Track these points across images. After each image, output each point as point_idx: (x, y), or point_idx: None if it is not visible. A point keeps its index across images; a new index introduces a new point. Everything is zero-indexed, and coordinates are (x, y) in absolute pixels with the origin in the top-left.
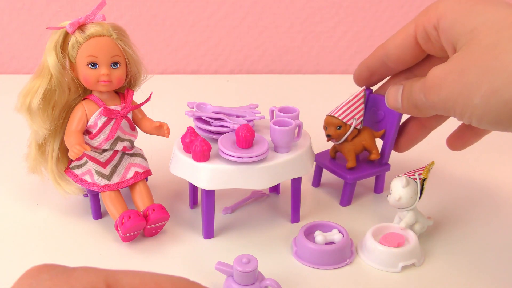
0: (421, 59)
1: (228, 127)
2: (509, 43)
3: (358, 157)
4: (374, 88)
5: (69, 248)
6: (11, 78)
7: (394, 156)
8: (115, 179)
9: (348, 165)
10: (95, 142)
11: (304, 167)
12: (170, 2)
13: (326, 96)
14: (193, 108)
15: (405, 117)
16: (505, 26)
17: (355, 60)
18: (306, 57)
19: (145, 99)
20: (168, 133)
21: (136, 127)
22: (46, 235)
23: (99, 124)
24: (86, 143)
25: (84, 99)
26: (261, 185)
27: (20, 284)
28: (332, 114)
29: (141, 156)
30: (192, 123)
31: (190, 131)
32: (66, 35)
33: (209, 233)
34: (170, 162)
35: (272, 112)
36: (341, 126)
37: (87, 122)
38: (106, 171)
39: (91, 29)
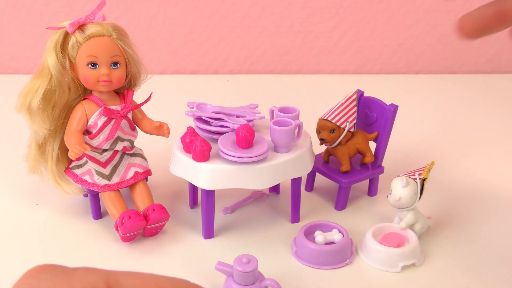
0: None
1: (228, 127)
2: None
3: (351, 160)
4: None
5: (69, 248)
6: (11, 78)
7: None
8: (115, 179)
9: (343, 169)
10: (95, 142)
11: (304, 167)
12: (170, 2)
13: (326, 96)
14: (193, 108)
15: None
16: None
17: (355, 60)
18: (306, 57)
19: (145, 99)
20: (168, 133)
21: (136, 127)
22: (46, 235)
23: (99, 124)
24: (86, 143)
25: (84, 99)
26: (261, 185)
27: (21, 284)
28: (325, 118)
29: (141, 156)
30: (192, 123)
31: (190, 131)
32: (66, 35)
33: (209, 233)
34: (170, 162)
35: (272, 112)
36: (335, 129)
37: (87, 122)
38: (106, 171)
39: (91, 29)
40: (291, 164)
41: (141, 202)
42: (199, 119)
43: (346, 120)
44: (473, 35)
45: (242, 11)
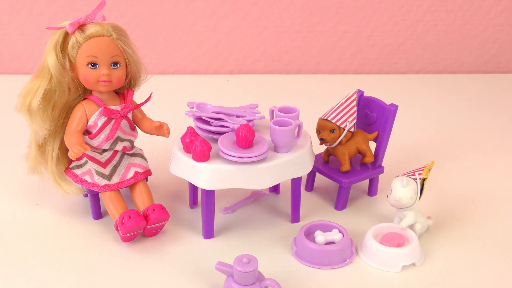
0: None
1: (228, 127)
2: None
3: (351, 160)
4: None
5: (69, 248)
6: (11, 78)
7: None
8: (115, 179)
9: (343, 169)
10: (95, 142)
11: (304, 167)
12: (170, 2)
13: (326, 96)
14: (193, 108)
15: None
16: None
17: (355, 60)
18: (306, 57)
19: (145, 99)
20: (168, 133)
21: (136, 127)
22: (46, 235)
23: (99, 124)
24: (86, 143)
25: (84, 99)
26: (261, 185)
27: None
28: (325, 118)
29: (141, 156)
30: (192, 123)
31: (190, 131)
32: (66, 35)
33: (209, 233)
34: (170, 162)
35: (272, 112)
36: (335, 129)
37: (87, 122)
38: (106, 171)
39: (91, 29)
40: (291, 164)
41: (141, 202)
42: (199, 119)
43: (346, 120)
44: None
45: (242, 11)
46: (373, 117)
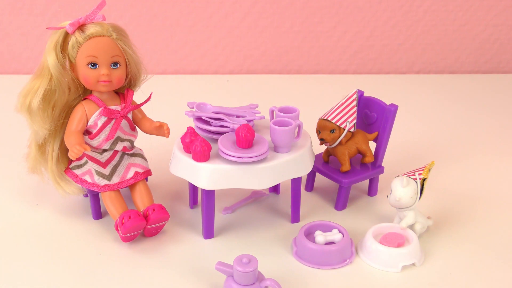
0: None
1: (228, 127)
2: None
3: (351, 160)
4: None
5: (69, 248)
6: (11, 78)
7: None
8: (115, 179)
9: (343, 169)
10: (95, 142)
11: (304, 167)
12: (170, 2)
13: (326, 96)
14: (193, 108)
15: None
16: None
17: (355, 60)
18: (306, 57)
19: (145, 99)
20: (168, 133)
21: (136, 127)
22: (46, 235)
23: (99, 124)
24: (86, 143)
25: (84, 99)
26: (261, 185)
27: None
28: (325, 118)
29: (141, 156)
30: (192, 123)
31: (190, 131)
32: (66, 35)
33: (209, 233)
34: (170, 162)
35: (272, 112)
36: (335, 129)
37: (87, 122)
38: (106, 171)
39: (91, 29)
40: (291, 164)
41: (141, 202)
42: (199, 119)
43: (346, 120)
44: None
45: (242, 11)
46: (373, 117)
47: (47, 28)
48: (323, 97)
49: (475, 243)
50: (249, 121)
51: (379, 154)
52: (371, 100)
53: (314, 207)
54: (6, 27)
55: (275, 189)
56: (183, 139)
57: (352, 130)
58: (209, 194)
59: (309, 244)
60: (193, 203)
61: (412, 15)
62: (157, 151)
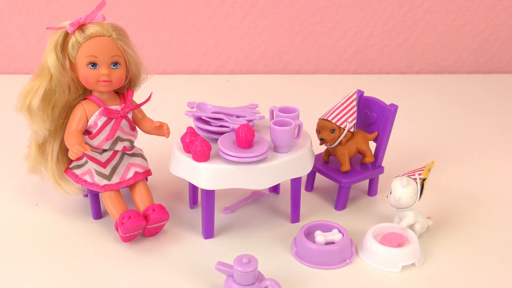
0: None
1: (228, 127)
2: None
3: (351, 160)
4: None
5: (69, 248)
6: (11, 78)
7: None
8: (115, 179)
9: (343, 169)
10: (95, 142)
11: (304, 167)
12: (170, 2)
13: (326, 96)
14: (193, 108)
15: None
16: None
17: (355, 60)
18: (306, 57)
19: (145, 99)
20: (168, 133)
21: (136, 127)
22: (46, 235)
23: (99, 124)
24: (86, 143)
25: (84, 99)
26: (261, 185)
27: None
28: (325, 118)
29: (141, 156)
30: (192, 123)
31: (190, 131)
32: (66, 35)
33: (209, 233)
34: (170, 162)
35: (272, 112)
36: (335, 129)
37: (87, 122)
38: (106, 171)
39: (91, 29)
40: (291, 164)
41: (141, 202)
42: (199, 119)
43: (346, 120)
44: None
45: (242, 11)
46: (373, 117)
47: (47, 28)
48: (323, 97)
49: (475, 243)
50: (249, 121)
51: (379, 154)
52: (371, 100)
53: (314, 207)
54: (6, 27)
55: (275, 189)
56: (183, 139)
57: (352, 130)
58: (209, 194)
59: (309, 244)
60: (193, 203)
61: (412, 15)
62: (157, 151)
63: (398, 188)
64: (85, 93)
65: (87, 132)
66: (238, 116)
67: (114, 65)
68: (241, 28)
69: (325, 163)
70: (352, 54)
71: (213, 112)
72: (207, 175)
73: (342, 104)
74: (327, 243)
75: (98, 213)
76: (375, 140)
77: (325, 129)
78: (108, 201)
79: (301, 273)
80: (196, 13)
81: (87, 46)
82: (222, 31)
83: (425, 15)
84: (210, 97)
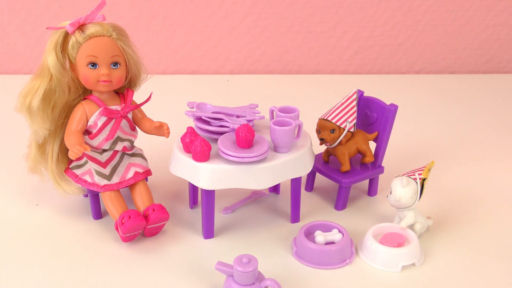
0: None
1: (228, 127)
2: None
3: (351, 160)
4: None
5: (69, 248)
6: (11, 78)
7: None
8: (115, 179)
9: (343, 169)
10: (95, 142)
11: (304, 167)
12: (170, 2)
13: (326, 96)
14: (193, 108)
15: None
16: None
17: (355, 60)
18: (306, 57)
19: (145, 99)
20: (168, 133)
21: (136, 127)
22: (46, 235)
23: (99, 124)
24: (86, 143)
25: (84, 99)
26: (261, 185)
27: None
28: (325, 118)
29: (141, 156)
30: (192, 123)
31: (190, 131)
32: (66, 35)
33: (209, 233)
34: (170, 162)
35: (272, 112)
36: (335, 129)
37: (87, 122)
38: (106, 171)
39: (91, 29)
40: (291, 164)
41: (141, 202)
42: (199, 119)
43: (346, 120)
44: None
45: (242, 11)
46: (373, 117)
47: (47, 28)
48: (323, 97)
49: (475, 243)
50: (249, 121)
51: (379, 154)
52: (371, 100)
53: (314, 207)
54: (6, 27)
55: (275, 189)
56: (183, 139)
57: (352, 130)
58: (209, 194)
59: (309, 244)
60: (193, 203)
61: (412, 15)
62: (157, 151)
63: (398, 188)
64: (85, 93)
65: (87, 132)
66: (238, 116)
67: (114, 65)
68: (241, 28)
69: (325, 163)
70: (352, 54)
71: (213, 112)
72: (207, 175)
73: (342, 104)
74: (327, 243)
75: (98, 213)
76: (375, 140)
77: (325, 129)
78: (108, 201)
79: (301, 273)
80: (196, 13)
81: (87, 46)
82: (222, 31)
83: (425, 15)
84: (210, 97)
